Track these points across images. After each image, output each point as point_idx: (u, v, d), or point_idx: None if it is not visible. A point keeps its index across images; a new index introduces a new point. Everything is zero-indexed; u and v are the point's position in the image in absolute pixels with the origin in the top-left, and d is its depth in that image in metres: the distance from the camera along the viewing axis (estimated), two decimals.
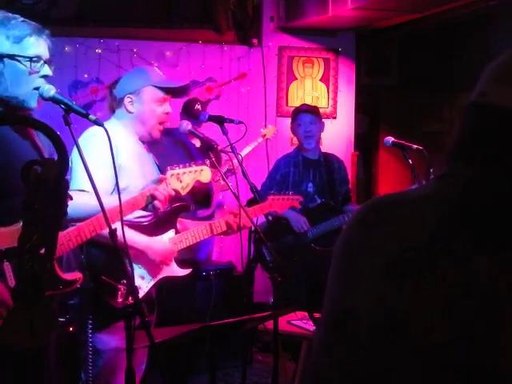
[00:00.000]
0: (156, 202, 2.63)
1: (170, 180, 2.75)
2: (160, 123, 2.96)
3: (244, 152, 4.77)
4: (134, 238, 2.78)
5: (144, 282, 2.88)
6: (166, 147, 3.59)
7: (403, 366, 0.93)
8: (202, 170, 2.86)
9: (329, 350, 1.02)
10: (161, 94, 2.94)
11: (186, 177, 2.79)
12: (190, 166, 2.83)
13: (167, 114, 2.97)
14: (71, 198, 2.23)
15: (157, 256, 2.86)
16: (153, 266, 2.90)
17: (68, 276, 2.24)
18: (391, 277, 0.96)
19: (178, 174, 2.77)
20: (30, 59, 2.15)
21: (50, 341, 2.27)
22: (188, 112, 4.62)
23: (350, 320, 0.99)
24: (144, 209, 2.65)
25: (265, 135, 4.87)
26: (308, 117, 4.49)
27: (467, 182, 0.96)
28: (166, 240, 2.93)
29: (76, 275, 2.27)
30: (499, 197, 0.93)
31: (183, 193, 2.80)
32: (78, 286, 2.30)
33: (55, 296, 2.20)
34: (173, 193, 2.70)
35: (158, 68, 3.25)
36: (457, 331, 0.89)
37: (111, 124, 2.90)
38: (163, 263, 2.91)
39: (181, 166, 2.80)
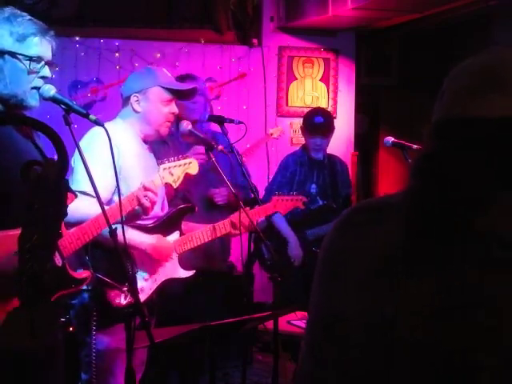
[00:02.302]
0: (145, 203, 2.66)
1: (162, 174, 2.76)
2: (167, 121, 2.97)
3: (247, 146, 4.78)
4: (137, 237, 2.79)
5: (147, 284, 2.88)
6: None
7: (394, 365, 0.93)
8: (190, 163, 2.89)
9: (319, 351, 1.02)
10: (167, 95, 2.94)
11: (177, 170, 2.81)
12: (178, 159, 2.84)
13: (173, 113, 2.98)
14: (76, 195, 2.23)
15: (160, 255, 2.87)
16: (156, 266, 2.90)
17: (78, 274, 2.25)
18: (380, 276, 0.96)
19: (170, 167, 2.79)
20: (30, 59, 2.14)
21: (59, 341, 2.27)
22: None
23: (337, 321, 1.00)
24: (132, 211, 2.67)
25: (272, 134, 4.88)
26: (322, 136, 4.47)
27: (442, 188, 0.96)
28: (168, 239, 2.94)
29: (86, 273, 2.28)
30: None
31: (175, 186, 2.82)
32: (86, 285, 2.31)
33: (64, 296, 2.21)
34: (156, 199, 2.71)
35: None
36: (442, 330, 0.89)
37: (116, 124, 2.90)
38: (166, 261, 2.92)
39: (170, 159, 2.81)
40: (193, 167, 2.90)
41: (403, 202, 0.99)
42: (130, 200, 2.62)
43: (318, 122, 4.47)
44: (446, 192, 0.93)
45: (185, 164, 2.86)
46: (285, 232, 4.35)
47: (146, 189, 2.65)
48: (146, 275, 2.88)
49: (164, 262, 2.94)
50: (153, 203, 2.68)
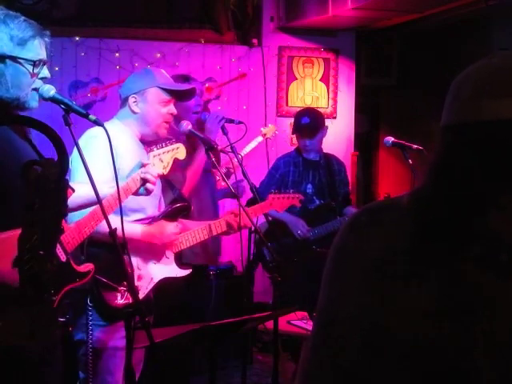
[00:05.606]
0: (148, 185, 2.62)
1: (153, 161, 2.74)
2: (165, 122, 2.96)
3: (244, 152, 4.76)
4: (133, 228, 2.78)
5: (143, 283, 2.88)
6: None
7: (389, 367, 0.93)
8: (178, 148, 2.85)
9: (318, 351, 1.02)
10: (165, 96, 2.93)
11: (166, 156, 2.79)
12: (166, 145, 2.81)
13: (172, 114, 2.97)
14: (74, 190, 2.23)
15: (158, 239, 2.85)
16: (155, 253, 2.89)
17: (82, 268, 2.26)
18: (376, 278, 0.96)
19: (159, 154, 2.77)
20: (34, 63, 2.14)
21: (57, 339, 2.28)
22: None
23: (335, 323, 1.00)
24: (136, 193, 2.63)
25: (265, 134, 4.86)
26: (308, 137, 4.46)
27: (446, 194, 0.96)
28: (165, 222, 2.92)
29: (89, 266, 2.29)
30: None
31: (165, 172, 2.79)
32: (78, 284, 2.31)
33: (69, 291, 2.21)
34: (160, 172, 2.69)
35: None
36: (440, 331, 0.89)
37: (113, 125, 2.90)
38: (165, 246, 2.91)
39: (158, 145, 2.79)
40: (180, 152, 2.86)
41: (409, 203, 0.99)
42: (135, 180, 2.60)
43: (304, 123, 4.48)
44: (455, 194, 0.93)
45: (173, 149, 2.82)
46: (281, 217, 4.32)
47: (144, 166, 2.63)
48: (141, 274, 2.87)
49: (161, 258, 2.93)
50: (153, 183, 2.65)
